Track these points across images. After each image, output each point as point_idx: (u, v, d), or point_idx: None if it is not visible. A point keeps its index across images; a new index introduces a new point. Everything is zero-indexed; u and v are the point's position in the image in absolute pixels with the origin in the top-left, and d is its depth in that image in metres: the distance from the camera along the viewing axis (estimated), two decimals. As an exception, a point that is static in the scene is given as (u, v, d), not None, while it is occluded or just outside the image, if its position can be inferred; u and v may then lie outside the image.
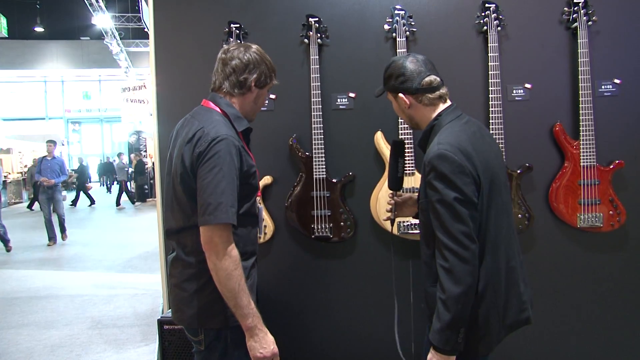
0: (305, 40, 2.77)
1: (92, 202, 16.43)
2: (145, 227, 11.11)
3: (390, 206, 2.18)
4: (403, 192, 2.58)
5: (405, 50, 2.67)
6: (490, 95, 2.62)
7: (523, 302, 1.81)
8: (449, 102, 1.87)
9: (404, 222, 2.64)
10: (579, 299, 2.73)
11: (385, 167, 2.69)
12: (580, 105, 2.60)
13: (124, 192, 16.53)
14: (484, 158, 1.73)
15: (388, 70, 1.92)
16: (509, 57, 2.72)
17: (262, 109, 2.75)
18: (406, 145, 2.06)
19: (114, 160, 17.70)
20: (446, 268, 1.65)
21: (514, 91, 2.73)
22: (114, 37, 19.68)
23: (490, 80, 2.61)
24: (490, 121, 2.61)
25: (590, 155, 2.60)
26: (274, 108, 2.85)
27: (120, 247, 8.84)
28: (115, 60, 21.49)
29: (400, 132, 2.64)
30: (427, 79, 1.83)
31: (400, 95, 1.88)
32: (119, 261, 7.64)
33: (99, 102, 29.48)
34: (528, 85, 2.73)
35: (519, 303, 1.80)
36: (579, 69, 2.60)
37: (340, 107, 2.80)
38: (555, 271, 2.74)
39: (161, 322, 2.67)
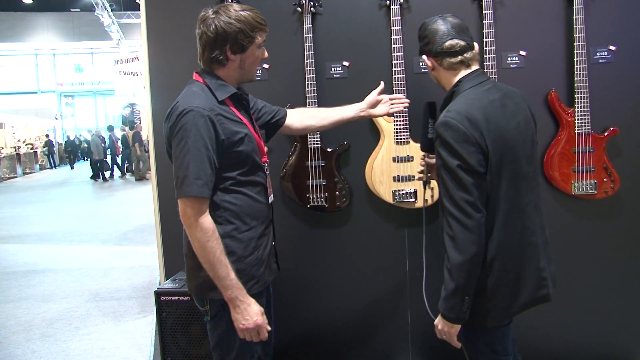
0: (298, 9, 2.73)
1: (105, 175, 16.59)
2: (142, 199, 11.11)
3: (422, 167, 2.15)
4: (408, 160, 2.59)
5: (399, 18, 2.63)
6: (485, 63, 2.59)
7: (542, 278, 1.80)
8: (474, 68, 1.84)
9: (399, 190, 2.64)
10: (572, 266, 2.75)
11: (380, 137, 2.68)
12: (575, 73, 2.57)
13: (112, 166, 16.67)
14: (498, 127, 1.70)
15: (419, 31, 1.93)
16: (504, 24, 2.68)
17: (257, 78, 2.75)
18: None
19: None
20: (450, 236, 1.67)
21: (509, 58, 2.70)
22: (105, 8, 19.41)
23: (484, 48, 2.58)
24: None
25: (584, 123, 2.59)
26: (268, 77, 2.82)
27: (116, 220, 8.85)
28: (107, 32, 21.25)
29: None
30: (448, 42, 1.81)
31: (424, 57, 1.90)
32: (116, 234, 7.67)
33: (91, 75, 29.21)
34: (523, 53, 2.70)
35: (538, 280, 1.79)
36: (574, 35, 2.57)
37: (334, 76, 2.77)
38: (550, 238, 2.75)
39: (158, 294, 2.68)
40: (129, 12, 21.76)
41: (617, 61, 2.66)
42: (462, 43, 1.81)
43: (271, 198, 2.01)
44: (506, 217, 1.71)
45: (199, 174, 1.70)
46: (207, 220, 1.73)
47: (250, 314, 1.76)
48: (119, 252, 6.62)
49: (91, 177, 16.65)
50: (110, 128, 18.32)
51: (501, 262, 1.72)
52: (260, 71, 2.80)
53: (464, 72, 1.83)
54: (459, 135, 1.66)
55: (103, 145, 16.64)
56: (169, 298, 2.67)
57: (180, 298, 2.65)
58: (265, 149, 2.04)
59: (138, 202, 11.00)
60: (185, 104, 1.74)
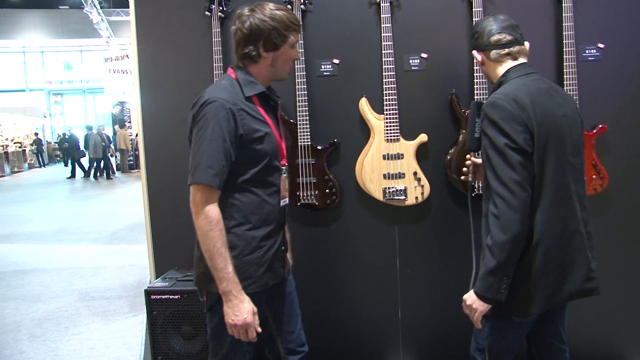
0: (289, 6, 2.72)
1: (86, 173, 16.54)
2: (132, 198, 11.07)
3: (467, 168, 2.16)
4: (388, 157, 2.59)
5: (389, 15, 2.63)
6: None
7: (591, 270, 1.80)
8: (521, 61, 1.90)
9: (390, 188, 2.64)
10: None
11: (370, 134, 2.68)
12: (565, 70, 2.59)
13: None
14: (545, 111, 1.73)
15: (471, 30, 2.03)
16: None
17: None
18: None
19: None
20: (495, 214, 1.68)
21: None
22: (94, 5, 19.27)
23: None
24: (475, 86, 2.60)
25: None
26: (257, 75, 2.81)
27: (106, 218, 8.81)
28: (96, 30, 21.10)
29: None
30: (495, 36, 1.88)
31: (474, 52, 1.97)
32: (106, 233, 7.63)
33: (81, 72, 29.00)
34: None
35: (587, 271, 1.79)
36: (563, 33, 2.58)
37: (325, 73, 2.76)
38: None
39: (148, 292, 2.67)
40: (118, 10, 21.64)
41: (605, 59, 2.67)
42: (508, 37, 1.88)
43: (284, 202, 1.99)
44: (552, 200, 1.72)
45: (212, 163, 1.72)
46: (213, 209, 1.74)
47: (242, 310, 1.75)
48: (109, 251, 6.58)
49: (83, 176, 16.62)
50: (89, 127, 18.33)
51: (545, 247, 1.73)
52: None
53: (510, 64, 1.89)
54: (507, 114, 1.69)
55: (103, 144, 16.59)
56: (159, 297, 2.66)
57: (171, 297, 2.64)
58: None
59: (128, 200, 10.94)
60: (210, 94, 1.78)
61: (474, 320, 1.80)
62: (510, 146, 1.67)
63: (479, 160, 2.06)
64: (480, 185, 2.61)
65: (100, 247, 6.83)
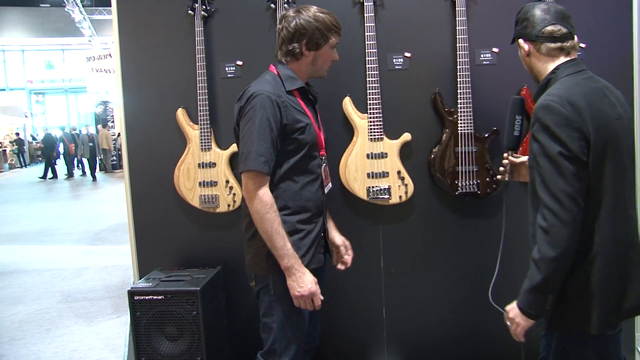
0: (272, 5, 2.71)
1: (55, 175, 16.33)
2: (114, 198, 10.97)
3: (504, 167, 2.04)
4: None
5: (372, 15, 2.63)
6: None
7: None
8: (572, 57, 1.75)
9: (373, 187, 2.64)
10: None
11: (353, 134, 2.68)
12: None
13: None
14: (601, 115, 1.60)
15: (517, 15, 1.85)
16: (475, 21, 2.71)
17: (229, 75, 2.80)
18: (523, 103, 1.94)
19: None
20: (544, 228, 1.56)
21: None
22: (76, 4, 19.04)
23: (458, 45, 2.60)
24: (459, 85, 2.61)
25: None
26: (241, 74, 2.80)
27: (89, 219, 8.73)
28: (78, 29, 20.86)
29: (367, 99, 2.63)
30: (549, 27, 1.73)
31: (520, 41, 1.82)
32: (88, 234, 7.56)
33: (63, 72, 28.65)
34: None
35: None
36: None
37: (308, 73, 2.76)
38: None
39: (132, 293, 2.65)
40: (100, 8, 21.41)
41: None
42: (563, 30, 1.73)
43: (327, 188, 2.16)
44: (610, 211, 1.60)
45: (262, 151, 1.84)
46: (267, 193, 1.87)
47: (305, 282, 1.88)
48: (92, 251, 6.53)
49: (66, 178, 16.44)
50: (62, 128, 18.22)
51: (604, 260, 1.60)
52: (234, 68, 2.79)
53: (561, 60, 1.74)
54: (561, 118, 1.55)
55: (91, 144, 16.43)
56: (142, 297, 2.64)
57: (154, 297, 2.62)
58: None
59: (112, 200, 10.85)
60: (256, 88, 1.92)
61: (516, 334, 1.71)
62: (564, 154, 1.54)
63: (518, 160, 2.00)
64: (463, 184, 2.63)
65: (83, 247, 6.76)
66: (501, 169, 2.06)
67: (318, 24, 1.98)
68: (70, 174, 16.65)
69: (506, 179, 2.05)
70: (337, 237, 2.30)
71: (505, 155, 2.04)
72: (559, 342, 1.73)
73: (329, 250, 2.20)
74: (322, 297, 1.96)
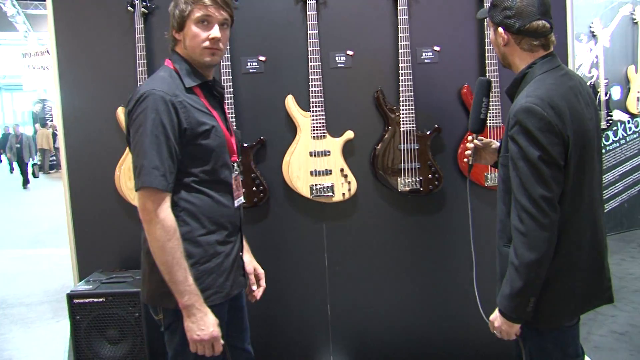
0: (213, 2, 2.69)
1: None
2: (54, 200, 10.62)
3: (469, 150, 1.99)
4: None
5: (315, 13, 2.64)
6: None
7: (608, 279, 1.74)
8: (550, 50, 1.70)
9: (317, 185, 2.66)
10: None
11: (296, 132, 2.69)
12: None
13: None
14: (579, 118, 1.59)
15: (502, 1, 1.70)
16: (417, 19, 2.76)
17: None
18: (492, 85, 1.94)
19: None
20: (522, 232, 1.54)
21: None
22: (8, -4, 18.29)
23: (400, 43, 2.64)
24: (401, 83, 2.66)
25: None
26: (182, 72, 2.76)
27: (26, 222, 8.42)
28: (11, 23, 20.03)
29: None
30: (535, 23, 1.62)
31: (500, 30, 1.69)
32: (26, 237, 7.29)
33: (-4, 68, 27.44)
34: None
35: (606, 279, 1.73)
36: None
37: (251, 70, 2.75)
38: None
39: (70, 296, 2.58)
40: (35, 2, 20.63)
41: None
42: (547, 25, 1.64)
43: (238, 202, 1.84)
44: (582, 213, 1.62)
45: (157, 164, 1.55)
46: (169, 216, 1.58)
47: (207, 324, 1.62)
48: (30, 255, 6.30)
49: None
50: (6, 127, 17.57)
51: (575, 259, 1.63)
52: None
53: (540, 53, 1.68)
54: (543, 123, 1.52)
55: (18, 145, 15.77)
56: (82, 300, 2.57)
57: (95, 300, 2.56)
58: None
59: (51, 202, 10.49)
60: (147, 87, 1.61)
61: (508, 338, 1.70)
62: (543, 159, 1.52)
63: (481, 143, 1.99)
64: (406, 181, 2.68)
65: (20, 251, 6.51)
66: (467, 152, 2.01)
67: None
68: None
69: (470, 162, 2.02)
70: (247, 264, 2.01)
71: (470, 138, 2.01)
72: (533, 345, 1.75)
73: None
74: (222, 342, 1.68)
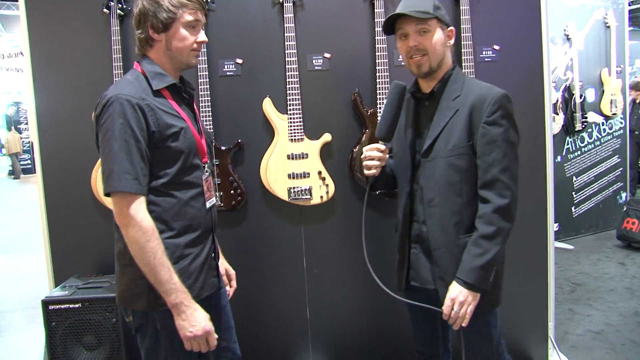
0: (189, 5, 2.67)
1: None
2: (28, 203, 10.43)
3: (371, 161, 1.90)
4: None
5: (292, 15, 2.64)
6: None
7: None
8: None
9: (295, 188, 2.66)
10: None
11: (274, 135, 2.69)
12: (464, 70, 2.68)
13: None
14: None
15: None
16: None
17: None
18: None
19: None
20: (503, 205, 1.71)
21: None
22: (-20, -2, 17.97)
23: (377, 46, 2.66)
24: (378, 86, 2.67)
25: None
26: (159, 75, 2.74)
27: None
28: (-17, 24, 19.70)
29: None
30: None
31: (452, 28, 1.86)
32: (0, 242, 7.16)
33: (-32, 70, 26.93)
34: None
35: None
36: (462, 35, 2.68)
37: (228, 73, 2.74)
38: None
39: (45, 303, 2.54)
40: (8, 3, 20.30)
41: (500, 60, 2.81)
42: None
43: (210, 203, 1.83)
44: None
45: (128, 168, 1.55)
46: (146, 217, 1.58)
47: (198, 319, 1.62)
48: (3, 261, 6.18)
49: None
50: None
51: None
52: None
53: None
54: (513, 110, 1.76)
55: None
56: (58, 306, 2.54)
57: (70, 306, 2.53)
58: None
59: (25, 206, 10.31)
60: (113, 91, 1.61)
61: (466, 316, 1.74)
62: (517, 142, 1.77)
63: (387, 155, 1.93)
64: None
65: (-7, 257, 6.40)
66: (373, 162, 1.89)
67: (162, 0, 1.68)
68: None
69: (376, 174, 1.92)
70: (219, 265, 2.01)
71: (376, 149, 1.90)
72: (488, 324, 1.88)
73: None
74: (216, 336, 1.69)
